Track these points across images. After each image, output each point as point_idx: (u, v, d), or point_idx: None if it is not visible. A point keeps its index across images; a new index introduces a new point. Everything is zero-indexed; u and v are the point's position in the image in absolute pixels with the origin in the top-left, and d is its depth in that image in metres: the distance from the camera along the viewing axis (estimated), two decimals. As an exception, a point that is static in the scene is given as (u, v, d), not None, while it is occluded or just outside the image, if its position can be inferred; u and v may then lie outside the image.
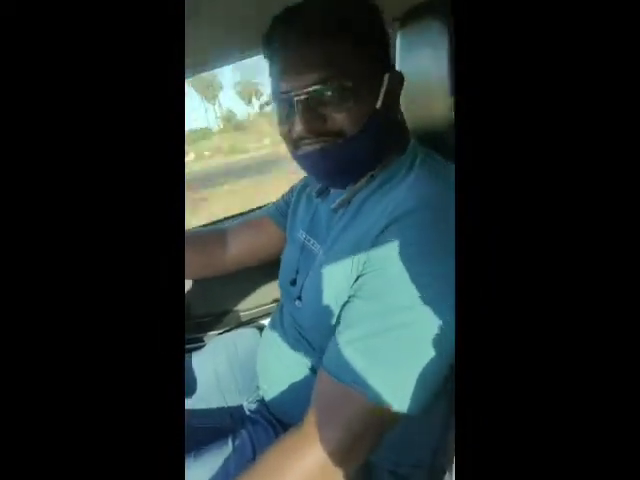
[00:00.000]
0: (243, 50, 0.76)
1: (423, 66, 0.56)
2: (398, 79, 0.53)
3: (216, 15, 0.59)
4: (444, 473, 0.45)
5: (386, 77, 0.50)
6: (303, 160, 0.53)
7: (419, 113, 0.64)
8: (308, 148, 0.50)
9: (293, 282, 0.62)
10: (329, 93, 0.47)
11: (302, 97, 0.47)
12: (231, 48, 0.75)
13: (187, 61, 0.70)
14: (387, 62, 0.52)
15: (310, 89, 0.47)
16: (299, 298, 0.59)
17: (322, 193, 0.64)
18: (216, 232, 0.83)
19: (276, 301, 1.08)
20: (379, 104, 0.49)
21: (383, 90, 0.49)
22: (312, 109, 0.48)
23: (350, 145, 0.50)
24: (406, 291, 0.43)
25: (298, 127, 0.48)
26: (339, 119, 0.48)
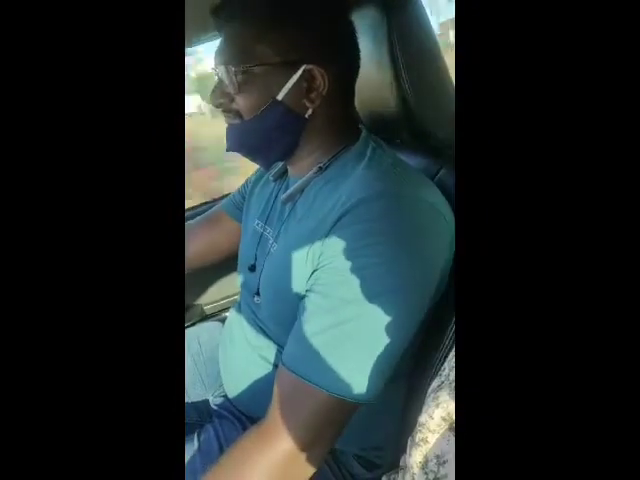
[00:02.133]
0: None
1: (365, 56, 0.56)
2: (327, 74, 0.50)
3: None
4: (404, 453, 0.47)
5: (300, 70, 0.49)
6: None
7: (367, 102, 0.65)
8: (225, 120, 0.56)
9: (252, 268, 0.62)
10: (231, 75, 0.49)
11: (216, 74, 0.52)
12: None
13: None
14: (310, 55, 0.49)
15: (217, 69, 0.51)
16: (257, 294, 0.59)
17: (279, 178, 0.64)
18: None
19: (238, 293, 1.08)
20: (281, 96, 0.50)
21: (291, 82, 0.49)
22: (220, 87, 0.52)
23: (245, 128, 0.53)
24: (354, 284, 0.44)
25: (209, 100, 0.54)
26: (238, 100, 0.52)
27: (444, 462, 0.29)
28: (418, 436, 0.31)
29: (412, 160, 0.61)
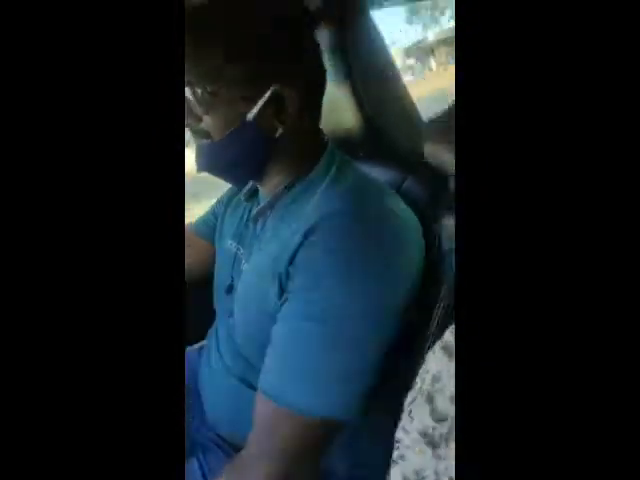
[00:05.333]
0: None
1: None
2: (296, 94, 0.50)
3: None
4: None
5: (269, 91, 0.49)
6: None
7: (328, 118, 0.65)
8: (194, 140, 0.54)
9: (229, 289, 0.62)
10: (198, 96, 0.48)
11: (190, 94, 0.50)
12: None
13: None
14: (278, 75, 0.49)
15: (186, 88, 0.49)
16: (232, 315, 0.58)
17: (249, 198, 0.64)
18: None
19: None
20: (251, 116, 0.49)
21: (261, 103, 0.49)
22: (187, 107, 0.50)
23: (214, 148, 0.52)
24: (321, 306, 0.44)
25: None
26: (206, 121, 0.50)
27: (423, 478, 0.29)
28: (396, 454, 0.31)
29: (376, 172, 0.62)
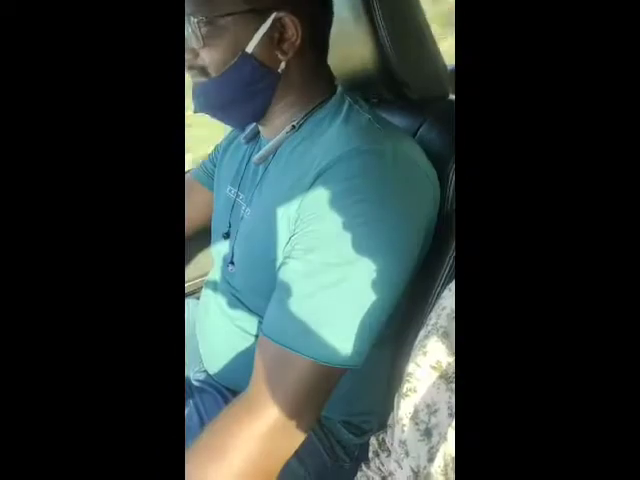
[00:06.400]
0: None
1: (340, 8, 0.53)
2: (299, 22, 0.46)
3: None
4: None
5: (270, 19, 0.45)
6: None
7: (342, 59, 0.62)
8: (192, 80, 0.50)
9: (226, 235, 0.60)
10: (195, 27, 0.44)
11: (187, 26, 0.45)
12: None
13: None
14: (280, 2, 0.45)
15: (186, 19, 0.44)
16: (232, 263, 0.57)
17: (250, 140, 0.61)
18: None
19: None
20: (251, 48, 0.46)
21: (261, 32, 0.45)
22: (186, 41, 0.46)
23: (212, 86, 0.48)
24: (336, 246, 0.42)
25: None
26: (203, 55, 0.47)
27: (435, 411, 0.28)
28: (406, 386, 0.30)
29: (391, 118, 0.58)
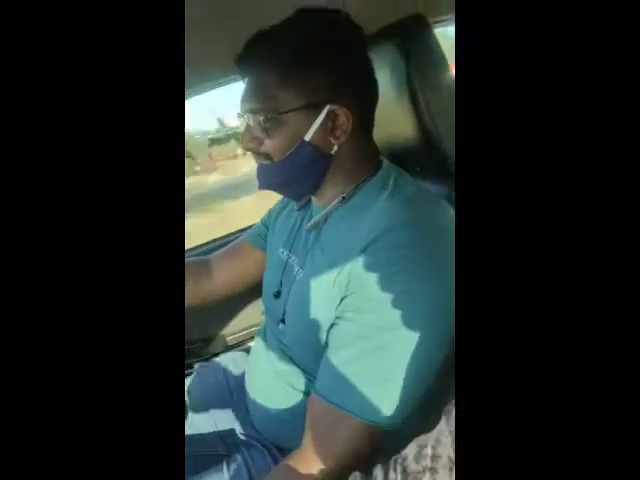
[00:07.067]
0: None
1: (384, 88, 0.59)
2: (350, 111, 0.52)
3: (216, 36, 0.65)
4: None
5: (324, 111, 0.51)
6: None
7: (386, 133, 0.67)
8: (256, 161, 0.58)
9: (277, 294, 0.64)
10: (259, 121, 0.52)
11: (245, 120, 0.54)
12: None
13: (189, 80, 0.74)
14: (332, 95, 0.51)
15: (244, 115, 0.54)
16: (282, 321, 0.61)
17: (302, 207, 0.67)
18: (200, 262, 0.85)
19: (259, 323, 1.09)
20: (308, 137, 0.52)
21: (317, 123, 0.51)
22: (250, 132, 0.55)
23: (275, 168, 0.55)
24: (386, 311, 0.45)
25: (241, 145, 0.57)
26: (267, 144, 0.54)
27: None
28: None
29: (433, 187, 0.63)
